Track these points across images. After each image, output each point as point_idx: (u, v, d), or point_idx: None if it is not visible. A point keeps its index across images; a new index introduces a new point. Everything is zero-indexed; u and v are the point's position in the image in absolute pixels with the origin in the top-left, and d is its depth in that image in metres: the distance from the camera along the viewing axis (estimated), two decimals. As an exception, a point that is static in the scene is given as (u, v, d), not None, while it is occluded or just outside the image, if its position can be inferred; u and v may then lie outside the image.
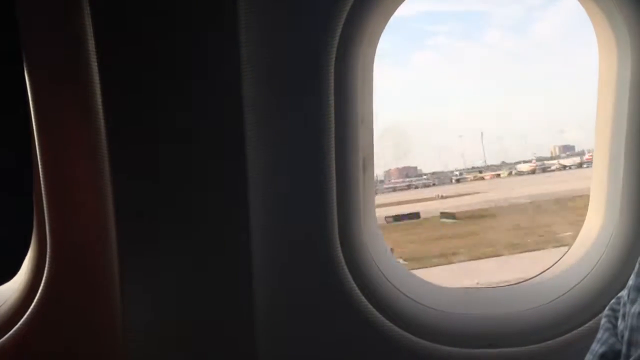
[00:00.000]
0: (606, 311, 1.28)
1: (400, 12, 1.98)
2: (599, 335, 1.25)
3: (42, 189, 1.80)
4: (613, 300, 1.29)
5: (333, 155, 1.88)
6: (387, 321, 1.97)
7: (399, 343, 1.97)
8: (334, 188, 1.90)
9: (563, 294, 2.04)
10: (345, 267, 1.95)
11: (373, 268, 2.03)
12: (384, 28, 1.96)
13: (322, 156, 1.87)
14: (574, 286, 2.04)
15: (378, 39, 1.96)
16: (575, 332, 1.96)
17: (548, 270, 2.24)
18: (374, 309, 1.96)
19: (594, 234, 2.12)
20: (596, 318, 1.96)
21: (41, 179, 1.79)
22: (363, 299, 1.96)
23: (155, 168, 1.78)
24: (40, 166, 1.78)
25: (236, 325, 1.89)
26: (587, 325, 1.97)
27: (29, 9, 1.66)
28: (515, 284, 2.26)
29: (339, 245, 1.94)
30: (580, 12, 2.03)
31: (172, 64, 1.73)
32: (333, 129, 1.86)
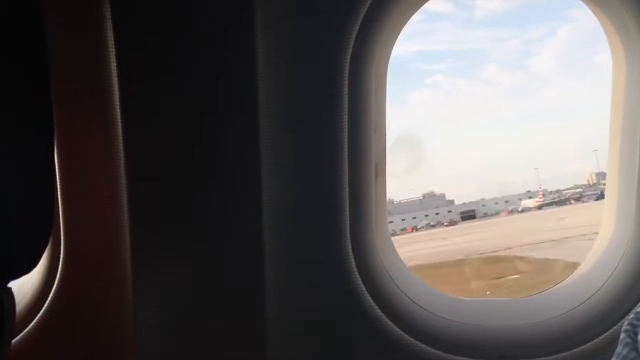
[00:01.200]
0: (625, 326, 1.26)
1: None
2: (618, 350, 1.23)
3: (58, 187, 1.83)
4: (631, 316, 1.28)
5: (346, 162, 1.88)
6: (396, 328, 1.96)
7: (408, 350, 1.95)
8: (347, 194, 1.90)
9: (577, 306, 2.01)
10: (356, 273, 1.94)
11: (384, 275, 2.03)
12: (398, 35, 1.97)
13: (335, 162, 1.87)
14: (588, 298, 2.01)
15: (392, 45, 1.97)
16: (588, 344, 1.93)
17: (562, 283, 2.22)
18: (383, 315, 1.95)
19: (608, 245, 2.10)
20: (610, 331, 1.93)
21: (57, 177, 1.82)
22: (373, 304, 1.95)
23: (169, 169, 1.80)
24: (57, 164, 1.80)
25: (246, 327, 1.89)
26: (600, 338, 1.94)
27: (51, 16, 1.69)
28: (529, 296, 2.24)
29: (350, 252, 1.93)
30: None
31: (188, 68, 1.74)
32: (346, 135, 1.86)
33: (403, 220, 11.66)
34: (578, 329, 1.97)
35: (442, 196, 12.20)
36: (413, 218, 11.79)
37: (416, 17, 1.99)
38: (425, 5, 1.98)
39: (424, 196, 12.01)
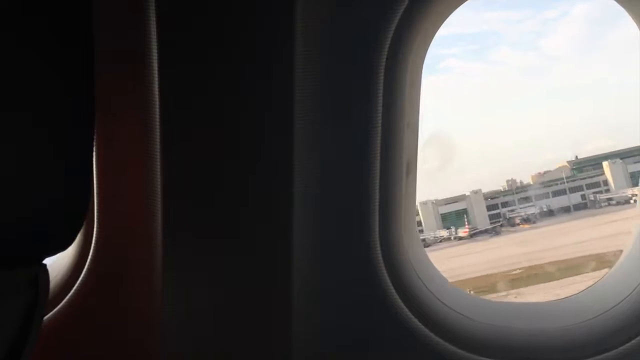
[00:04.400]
0: None
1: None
2: None
3: (95, 173, 1.83)
4: None
5: (378, 157, 1.87)
6: (422, 326, 1.95)
7: (432, 349, 1.94)
8: (377, 190, 1.89)
9: (607, 310, 1.99)
10: (384, 269, 1.94)
11: (411, 273, 2.02)
12: (435, 32, 1.98)
13: (366, 157, 1.87)
14: (619, 303, 1.99)
15: (429, 43, 1.98)
16: (619, 349, 1.92)
17: (591, 287, 2.20)
18: (409, 312, 1.95)
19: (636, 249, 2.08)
20: (638, 337, 1.91)
21: (95, 163, 1.83)
22: (399, 301, 1.94)
23: (204, 161, 1.80)
24: (95, 151, 1.81)
25: (272, 318, 1.90)
26: (629, 344, 1.93)
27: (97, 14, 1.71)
28: (558, 300, 2.22)
29: (378, 247, 1.93)
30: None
31: (224, 65, 1.74)
32: (379, 131, 1.85)
33: None
34: (608, 333, 1.95)
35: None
36: None
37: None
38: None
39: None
